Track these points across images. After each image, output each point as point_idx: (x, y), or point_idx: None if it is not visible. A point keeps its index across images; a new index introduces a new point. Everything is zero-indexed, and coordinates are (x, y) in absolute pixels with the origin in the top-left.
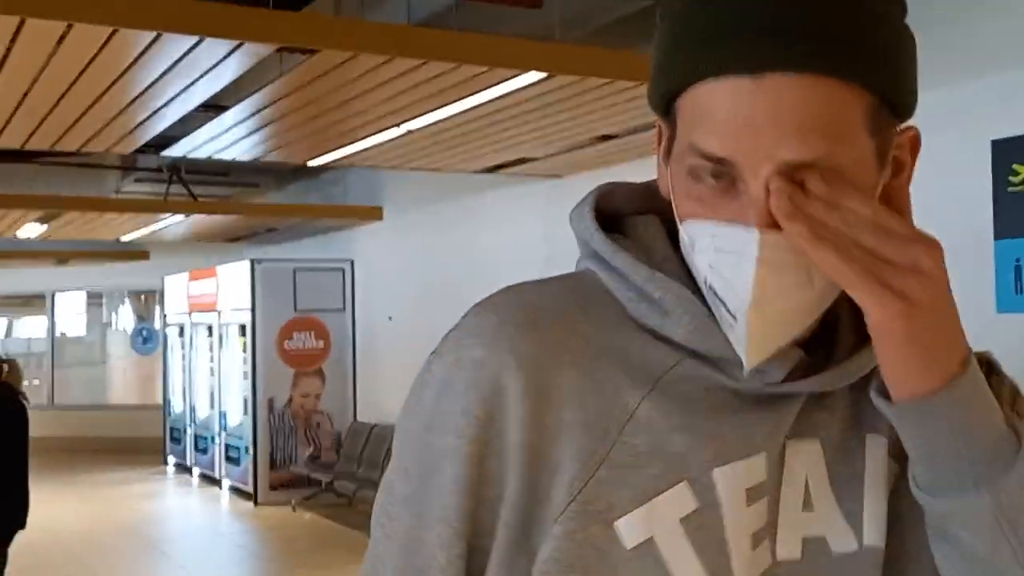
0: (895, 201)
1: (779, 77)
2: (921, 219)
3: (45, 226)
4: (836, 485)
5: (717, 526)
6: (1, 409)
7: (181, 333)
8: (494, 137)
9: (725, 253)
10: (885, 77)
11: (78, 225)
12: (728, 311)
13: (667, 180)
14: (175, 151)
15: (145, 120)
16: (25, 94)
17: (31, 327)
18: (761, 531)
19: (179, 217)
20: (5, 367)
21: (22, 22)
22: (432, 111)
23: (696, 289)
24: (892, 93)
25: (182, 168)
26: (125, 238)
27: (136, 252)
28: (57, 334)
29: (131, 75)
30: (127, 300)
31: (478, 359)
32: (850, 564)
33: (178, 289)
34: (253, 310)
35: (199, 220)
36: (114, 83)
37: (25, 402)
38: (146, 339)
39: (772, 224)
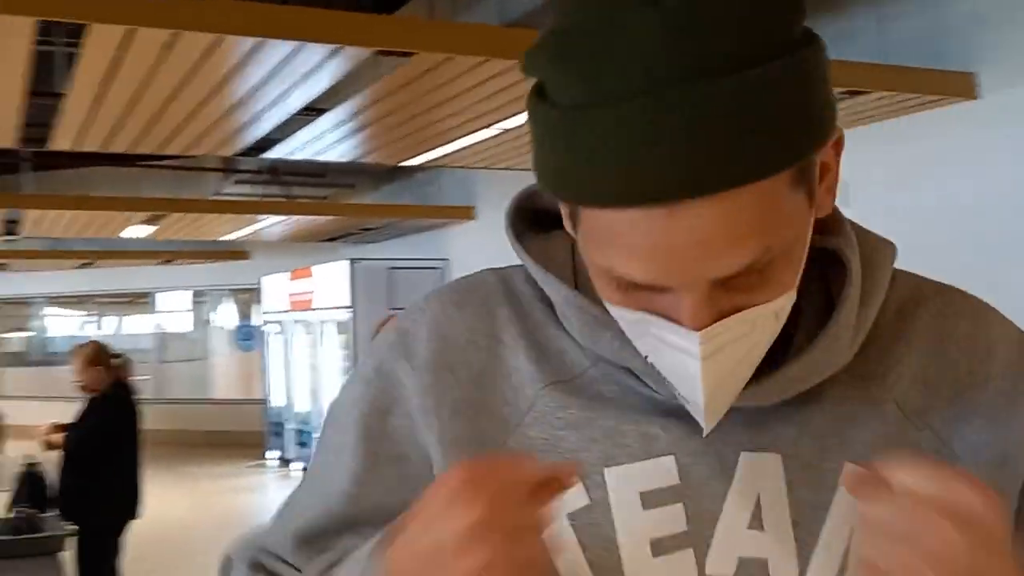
0: (821, 209)
1: (697, 201)
2: (1010, 217)
3: (151, 227)
4: (796, 507)
5: (607, 525)
6: (117, 403)
7: (281, 330)
8: None
9: (664, 344)
10: (810, 138)
11: (181, 226)
12: (675, 388)
13: (573, 230)
14: (274, 153)
15: (246, 124)
16: (134, 100)
17: (137, 324)
18: (672, 539)
19: (278, 218)
20: (117, 363)
21: (133, 31)
22: (525, 111)
23: None
24: (817, 144)
25: (281, 170)
26: (225, 238)
27: (236, 252)
28: (162, 331)
29: (233, 80)
30: (228, 298)
31: (403, 328)
32: None
33: (277, 288)
34: (353, 308)
35: (297, 220)
36: (217, 88)
37: (136, 397)
38: (246, 336)
39: (707, 322)
